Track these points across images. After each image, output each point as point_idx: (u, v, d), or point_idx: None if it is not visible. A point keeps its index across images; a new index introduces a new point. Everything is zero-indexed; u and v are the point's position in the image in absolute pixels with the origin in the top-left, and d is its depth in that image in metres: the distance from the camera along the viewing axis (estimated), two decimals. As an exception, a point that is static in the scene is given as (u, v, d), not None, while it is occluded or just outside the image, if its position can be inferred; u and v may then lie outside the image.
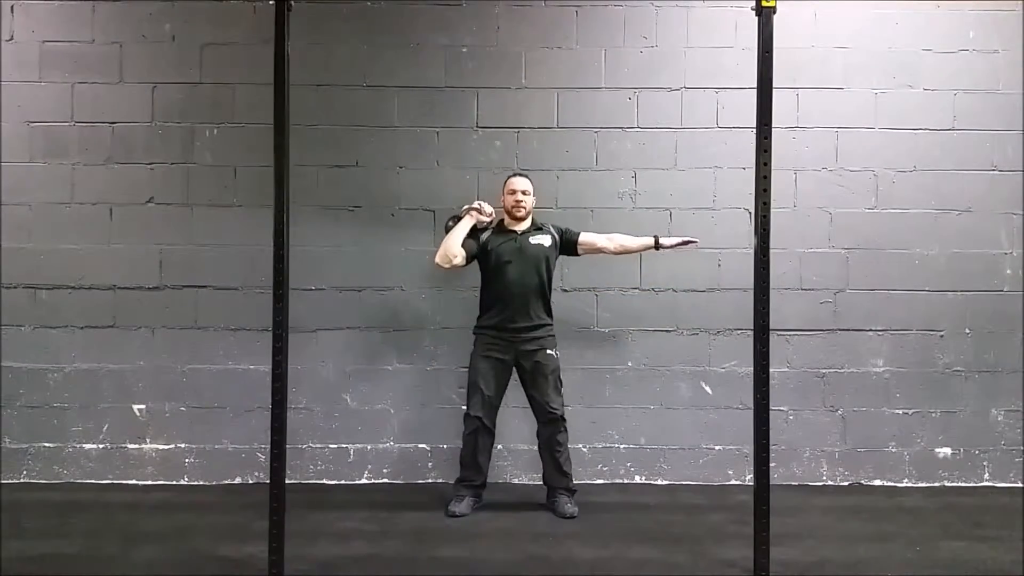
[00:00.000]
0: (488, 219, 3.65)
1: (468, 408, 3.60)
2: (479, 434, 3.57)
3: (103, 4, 4.03)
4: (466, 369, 3.69)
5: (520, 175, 3.70)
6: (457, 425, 3.72)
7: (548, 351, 3.60)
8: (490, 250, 3.60)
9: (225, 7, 4.04)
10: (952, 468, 4.06)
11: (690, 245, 3.71)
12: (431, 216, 4.05)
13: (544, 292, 3.62)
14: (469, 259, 3.59)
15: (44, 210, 4.03)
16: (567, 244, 3.69)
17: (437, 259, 3.57)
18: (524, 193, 3.62)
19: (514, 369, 3.63)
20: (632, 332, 4.08)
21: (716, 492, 3.93)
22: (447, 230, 3.63)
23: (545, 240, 3.64)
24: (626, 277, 4.05)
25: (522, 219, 3.65)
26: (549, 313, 3.65)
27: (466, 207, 3.64)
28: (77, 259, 4.03)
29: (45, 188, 4.03)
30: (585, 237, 3.69)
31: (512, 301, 3.56)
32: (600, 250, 3.71)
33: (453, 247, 3.54)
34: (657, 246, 3.68)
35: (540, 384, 3.58)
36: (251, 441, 4.03)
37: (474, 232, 3.62)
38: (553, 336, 3.65)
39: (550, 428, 3.59)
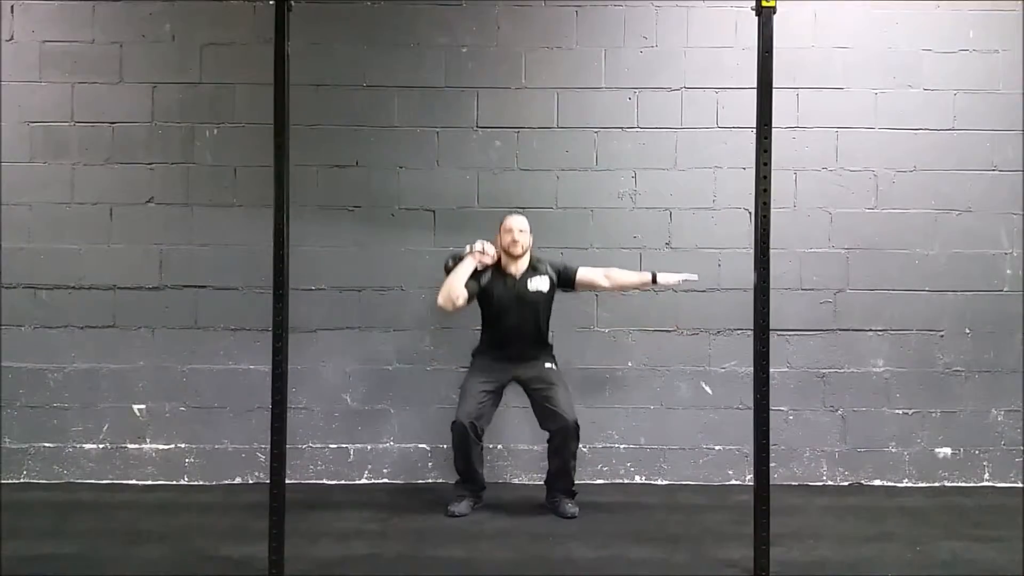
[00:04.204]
0: (491, 261, 3.63)
1: (456, 414, 3.54)
2: (467, 440, 3.49)
3: (103, 4, 4.03)
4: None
5: (516, 214, 3.68)
6: (457, 425, 3.72)
7: (546, 364, 3.64)
8: (489, 294, 3.61)
9: (225, 7, 4.04)
10: (952, 468, 4.06)
11: (688, 282, 3.71)
12: (431, 216, 4.05)
13: (542, 334, 3.66)
14: (470, 300, 3.58)
15: (44, 210, 4.03)
16: (564, 281, 3.68)
17: (440, 301, 3.54)
18: (521, 232, 3.60)
19: (512, 387, 3.65)
20: (632, 332, 4.07)
21: (716, 492, 3.93)
22: (447, 271, 3.60)
23: (543, 285, 3.62)
24: (626, 277, 4.06)
25: (519, 257, 3.62)
26: (548, 350, 3.70)
27: (468, 248, 3.62)
28: (77, 259, 4.03)
29: (45, 188, 4.03)
30: (583, 275, 3.67)
31: (511, 345, 3.60)
32: (597, 287, 3.71)
33: (455, 289, 3.51)
34: (654, 281, 3.66)
35: (548, 390, 3.56)
36: (251, 441, 4.03)
37: (475, 273, 3.61)
38: (552, 356, 3.68)
39: (563, 435, 3.51)
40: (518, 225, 3.62)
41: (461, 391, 3.62)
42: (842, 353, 4.07)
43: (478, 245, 3.62)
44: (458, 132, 4.06)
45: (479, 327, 3.71)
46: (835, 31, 4.05)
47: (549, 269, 3.68)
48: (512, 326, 3.59)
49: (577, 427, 3.54)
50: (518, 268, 3.63)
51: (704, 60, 4.05)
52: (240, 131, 4.04)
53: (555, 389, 3.57)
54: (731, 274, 4.03)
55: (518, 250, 3.60)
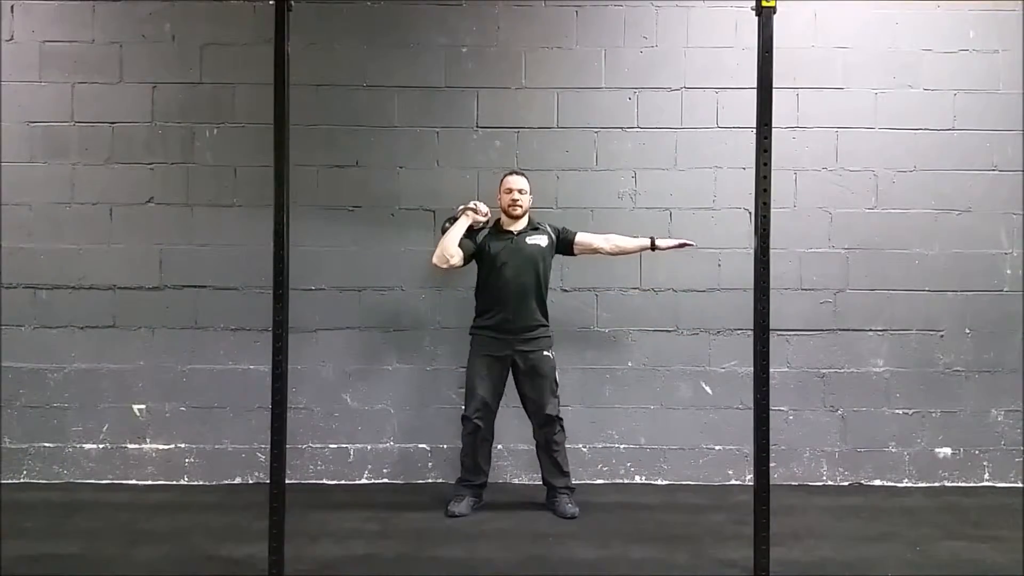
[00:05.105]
0: (484, 219, 3.65)
1: (465, 410, 3.61)
2: (477, 436, 3.57)
3: (103, 4, 4.03)
4: (465, 369, 3.69)
5: (517, 173, 3.68)
6: (457, 425, 3.72)
7: (544, 352, 3.60)
8: (487, 250, 3.60)
9: (225, 7, 4.04)
10: (952, 468, 4.06)
11: (686, 247, 3.71)
12: (431, 216, 4.05)
13: (540, 292, 3.61)
14: (467, 259, 3.59)
15: (44, 210, 4.03)
16: (563, 244, 3.68)
17: (434, 260, 3.57)
18: (521, 192, 3.60)
19: (510, 368, 3.63)
20: (632, 332, 4.07)
21: (716, 492, 3.93)
22: (443, 231, 3.62)
23: (542, 240, 3.63)
24: (626, 277, 4.05)
25: (519, 218, 3.64)
26: (545, 314, 3.64)
27: (461, 207, 3.64)
28: (77, 259, 4.04)
29: (45, 188, 4.03)
30: (582, 237, 3.69)
31: (508, 302, 3.55)
32: (596, 250, 3.70)
33: (450, 247, 3.53)
34: (653, 247, 3.68)
35: (536, 385, 3.58)
36: (251, 441, 4.03)
37: (471, 232, 3.62)
38: (550, 337, 3.65)
39: (546, 429, 3.60)
40: (518, 185, 3.61)
41: (467, 383, 3.63)
42: (842, 353, 4.07)
43: (471, 203, 3.62)
44: (458, 132, 4.06)
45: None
46: (835, 31, 4.05)
47: (549, 229, 3.68)
48: (511, 278, 3.54)
49: (559, 420, 3.61)
50: (517, 227, 3.64)
51: (704, 60, 4.05)
52: (240, 131, 4.04)
53: (544, 383, 3.57)
54: (731, 274, 4.03)
55: (518, 211, 3.61)
